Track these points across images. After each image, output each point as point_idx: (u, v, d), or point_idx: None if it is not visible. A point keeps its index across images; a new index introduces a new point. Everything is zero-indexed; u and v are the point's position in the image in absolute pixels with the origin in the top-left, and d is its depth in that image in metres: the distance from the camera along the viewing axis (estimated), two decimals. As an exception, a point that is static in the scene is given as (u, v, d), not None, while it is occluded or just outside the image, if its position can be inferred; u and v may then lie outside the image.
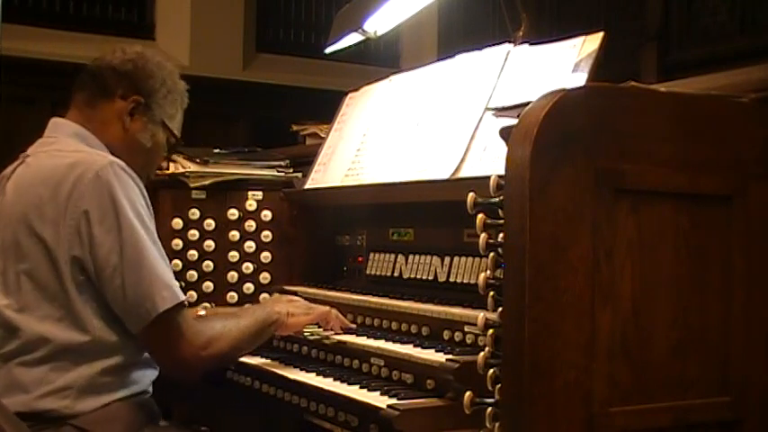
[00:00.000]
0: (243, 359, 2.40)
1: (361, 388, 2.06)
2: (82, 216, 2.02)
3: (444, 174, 2.27)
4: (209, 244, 2.91)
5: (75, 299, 2.03)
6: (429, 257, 2.48)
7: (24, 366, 2.02)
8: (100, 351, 2.06)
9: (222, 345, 2.15)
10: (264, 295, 2.87)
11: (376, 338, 2.24)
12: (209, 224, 2.91)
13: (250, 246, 2.92)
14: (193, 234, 2.89)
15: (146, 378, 2.18)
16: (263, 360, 2.43)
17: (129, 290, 2.01)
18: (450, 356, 1.91)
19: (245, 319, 2.27)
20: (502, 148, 1.62)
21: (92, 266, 2.02)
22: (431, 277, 2.46)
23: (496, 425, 1.58)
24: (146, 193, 2.14)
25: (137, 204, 2.07)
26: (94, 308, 2.05)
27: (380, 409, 1.88)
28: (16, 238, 2.06)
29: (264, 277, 2.93)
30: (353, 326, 2.43)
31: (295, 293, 2.74)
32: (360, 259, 2.79)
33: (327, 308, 2.43)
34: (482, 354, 1.61)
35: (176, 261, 2.80)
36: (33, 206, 2.06)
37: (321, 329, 2.40)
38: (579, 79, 2.07)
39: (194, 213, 2.90)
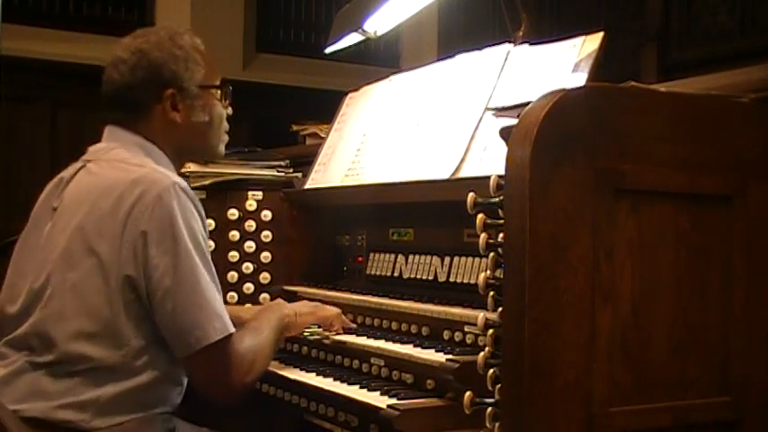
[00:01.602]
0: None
1: (361, 388, 2.06)
2: (140, 236, 1.98)
3: (444, 174, 2.27)
4: (210, 244, 2.89)
5: (119, 316, 1.99)
6: (429, 257, 2.48)
7: (53, 377, 1.99)
8: (130, 370, 2.02)
9: (260, 365, 2.13)
10: (265, 296, 2.87)
11: (376, 338, 2.24)
12: (209, 224, 2.89)
13: (250, 246, 2.92)
14: (193, 234, 2.89)
15: (169, 399, 2.13)
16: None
17: (179, 316, 1.98)
18: (450, 356, 1.91)
19: (266, 331, 2.22)
20: (502, 148, 1.62)
21: (144, 288, 1.99)
22: (431, 277, 2.46)
23: (496, 425, 1.58)
24: (204, 216, 2.10)
25: (195, 230, 2.03)
26: (137, 327, 2.01)
27: (380, 409, 1.88)
28: (69, 246, 2.02)
29: (264, 277, 2.93)
30: (354, 325, 2.43)
31: (295, 293, 2.74)
32: (360, 259, 2.80)
33: (334, 310, 2.42)
34: (482, 354, 1.61)
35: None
36: (92, 218, 2.02)
37: (321, 329, 2.40)
38: (579, 79, 2.07)
39: (194, 213, 2.89)
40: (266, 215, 2.95)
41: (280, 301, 2.58)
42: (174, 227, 1.99)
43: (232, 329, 2.03)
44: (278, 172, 3.01)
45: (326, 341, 2.35)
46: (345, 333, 2.36)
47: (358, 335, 2.32)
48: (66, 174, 2.18)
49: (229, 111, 2.34)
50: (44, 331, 2.00)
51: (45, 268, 2.05)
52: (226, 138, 2.35)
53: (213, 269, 2.08)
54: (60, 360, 1.99)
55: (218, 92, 2.29)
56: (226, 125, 2.34)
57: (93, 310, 1.99)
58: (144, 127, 2.19)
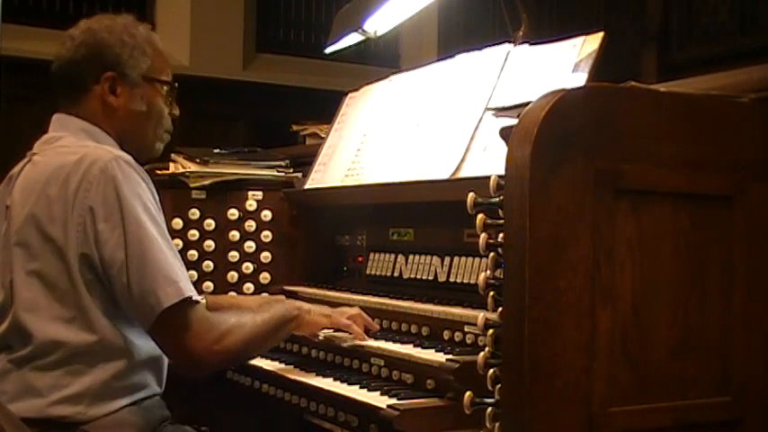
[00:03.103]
0: (243, 359, 2.39)
1: (361, 388, 2.06)
2: (87, 212, 1.99)
3: (444, 174, 2.27)
4: (209, 244, 2.91)
5: (85, 297, 2.00)
6: (429, 257, 2.48)
7: (38, 371, 1.99)
8: (109, 353, 2.02)
9: (235, 339, 2.06)
10: (264, 295, 2.86)
11: (376, 338, 2.24)
12: (210, 224, 2.91)
13: (250, 246, 2.92)
14: (193, 234, 2.89)
15: (154, 380, 2.15)
16: (264, 361, 2.42)
17: (134, 287, 1.97)
18: (450, 356, 1.91)
19: (262, 315, 2.18)
20: (502, 148, 1.62)
21: (99, 264, 1.99)
22: (431, 277, 2.46)
23: (496, 425, 1.58)
24: (153, 188, 2.09)
25: (143, 198, 2.02)
26: (102, 307, 2.01)
27: (380, 409, 1.88)
28: (25, 238, 2.03)
29: (264, 277, 2.93)
30: (377, 327, 2.35)
31: (295, 293, 2.74)
32: (360, 259, 2.80)
33: (347, 321, 2.29)
34: (482, 354, 1.61)
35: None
36: (42, 206, 2.03)
37: (344, 335, 2.30)
38: (579, 79, 2.07)
39: (194, 213, 2.90)
40: (266, 215, 2.95)
41: (270, 301, 2.57)
42: (120, 198, 1.99)
43: (188, 294, 1.98)
44: (278, 172, 3.01)
45: (358, 347, 2.25)
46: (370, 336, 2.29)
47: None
48: (14, 171, 2.19)
49: (176, 111, 2.34)
50: (21, 325, 2.01)
51: (9, 264, 2.06)
52: (166, 137, 2.34)
53: (167, 235, 2.06)
54: (38, 351, 2.00)
55: (164, 88, 2.29)
56: (168, 125, 2.32)
57: (62, 295, 2.00)
58: (84, 109, 2.20)
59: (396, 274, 2.61)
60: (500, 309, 1.58)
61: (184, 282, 2.01)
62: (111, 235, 1.98)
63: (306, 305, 2.34)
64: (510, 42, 2.41)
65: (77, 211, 2.00)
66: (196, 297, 2.02)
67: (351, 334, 2.28)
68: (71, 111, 2.21)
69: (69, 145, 2.13)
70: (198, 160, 2.94)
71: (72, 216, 2.00)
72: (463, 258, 2.36)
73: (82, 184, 2.00)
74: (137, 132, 2.25)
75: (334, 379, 2.17)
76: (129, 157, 2.07)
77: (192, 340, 2.00)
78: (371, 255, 2.73)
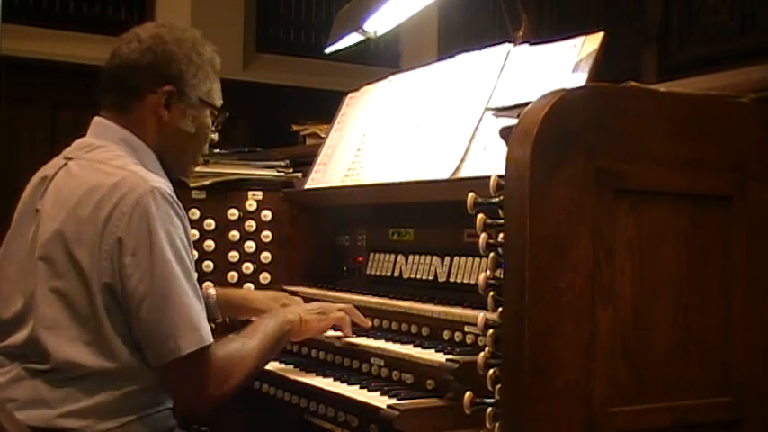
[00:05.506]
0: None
1: (361, 388, 2.06)
2: (116, 243, 1.95)
3: (444, 174, 2.27)
4: (209, 244, 2.91)
5: (105, 324, 1.97)
6: (429, 257, 2.48)
7: (50, 384, 1.98)
8: (126, 377, 2.00)
9: (239, 376, 2.06)
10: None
11: (376, 338, 2.25)
12: (210, 224, 2.91)
13: (250, 246, 2.92)
14: (193, 234, 2.88)
15: (167, 398, 2.11)
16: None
17: (153, 325, 1.95)
18: (450, 356, 1.91)
19: (259, 338, 2.15)
20: (502, 148, 1.62)
21: (120, 295, 1.96)
22: (431, 277, 2.46)
23: (496, 425, 1.58)
24: (187, 223, 2.05)
25: (174, 236, 1.98)
26: (122, 335, 1.98)
27: (380, 409, 1.88)
28: (51, 254, 2.00)
29: (264, 277, 2.93)
30: (369, 323, 2.37)
31: (295, 294, 2.74)
32: (360, 259, 2.80)
33: (341, 313, 2.33)
34: (482, 354, 1.61)
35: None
36: (71, 226, 1.98)
37: (334, 333, 2.34)
38: (579, 79, 2.07)
39: (194, 213, 2.90)
40: (266, 215, 2.95)
41: (281, 297, 2.56)
42: (150, 234, 1.95)
43: (207, 341, 1.98)
44: (278, 172, 3.01)
45: (337, 343, 2.31)
46: (358, 334, 2.31)
47: (358, 335, 2.32)
48: (48, 172, 2.14)
49: (215, 137, 2.32)
50: (39, 341, 1.99)
51: (32, 275, 2.02)
52: (200, 161, 2.34)
53: (194, 277, 2.03)
54: (55, 368, 1.98)
55: (214, 113, 2.26)
56: (206, 149, 2.31)
57: (82, 318, 1.98)
58: (131, 116, 2.14)
59: (396, 274, 2.61)
60: (500, 309, 1.59)
61: (204, 327, 1.99)
62: (135, 269, 1.95)
63: (296, 315, 2.29)
64: (510, 42, 2.41)
65: (106, 240, 1.96)
66: (210, 340, 2.00)
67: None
68: (114, 117, 2.15)
69: (107, 161, 2.07)
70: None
71: (101, 244, 1.96)
72: (463, 258, 2.36)
73: (114, 213, 1.96)
74: (178, 151, 2.21)
75: (335, 379, 2.17)
76: (166, 189, 2.02)
77: (201, 387, 2.00)
78: (371, 255, 2.73)
